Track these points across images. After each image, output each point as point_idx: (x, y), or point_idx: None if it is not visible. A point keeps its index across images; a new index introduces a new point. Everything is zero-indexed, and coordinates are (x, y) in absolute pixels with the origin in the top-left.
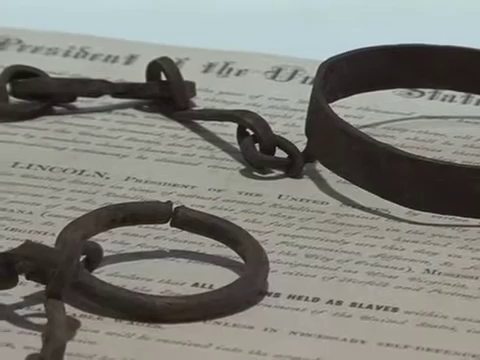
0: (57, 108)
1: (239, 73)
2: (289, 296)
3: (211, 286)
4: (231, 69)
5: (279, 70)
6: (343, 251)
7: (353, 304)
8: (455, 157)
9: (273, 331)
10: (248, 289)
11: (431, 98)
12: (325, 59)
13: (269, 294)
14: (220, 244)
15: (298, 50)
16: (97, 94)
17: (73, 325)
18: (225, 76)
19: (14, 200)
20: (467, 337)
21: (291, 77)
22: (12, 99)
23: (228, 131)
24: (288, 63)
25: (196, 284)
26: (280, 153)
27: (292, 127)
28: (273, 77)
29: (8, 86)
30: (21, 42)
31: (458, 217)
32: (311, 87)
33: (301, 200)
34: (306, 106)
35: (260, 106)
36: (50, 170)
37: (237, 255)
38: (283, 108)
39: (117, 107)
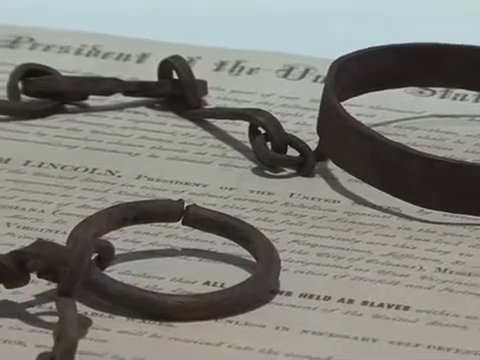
0: (69, 106)
1: (251, 72)
2: (300, 295)
3: (223, 285)
4: (243, 68)
5: (291, 69)
6: (354, 250)
7: (364, 302)
8: (466, 156)
9: (285, 330)
10: (260, 288)
11: (442, 97)
12: (337, 58)
13: (280, 293)
14: (232, 242)
15: (310, 49)
16: (109, 92)
17: (84, 323)
18: (237, 75)
19: (26, 198)
20: (478, 336)
21: (303, 76)
22: (24, 97)
23: (240, 130)
24: (300, 62)
25: (208, 282)
26: (292, 152)
27: (304, 126)
28: (285, 76)
29: (20, 84)
30: (33, 40)
31: (470, 216)
32: (323, 86)
33: (313, 199)
34: (318, 105)
35: (272, 105)
36: (62, 168)
37: (249, 254)
38: (295, 107)
39: (129, 105)
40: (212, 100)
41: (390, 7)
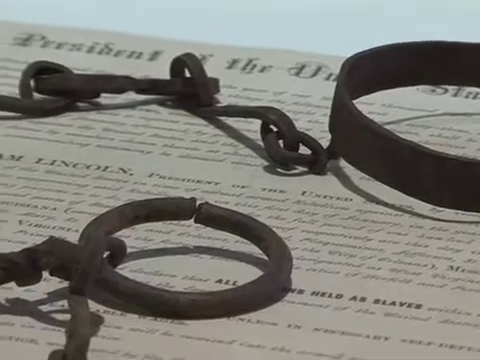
0: (81, 104)
1: (263, 69)
2: (313, 293)
3: (235, 282)
4: (255, 65)
5: (303, 67)
6: (366, 248)
7: (376, 301)
8: (479, 154)
9: (297, 327)
10: (272, 286)
11: (455, 95)
12: (349, 56)
13: (293, 291)
14: (244, 240)
15: (322, 47)
16: (121, 90)
17: (97, 321)
18: (249, 72)
19: (38, 196)
20: None
21: (315, 74)
22: (36, 95)
23: (252, 127)
24: (312, 60)
25: (220, 280)
26: (304, 150)
27: (316, 124)
28: (297, 74)
29: (32, 82)
30: (45, 38)
31: None
32: (335, 84)
33: (325, 197)
34: (330, 103)
35: (284, 102)
36: (74, 166)
37: (261, 252)
38: (307, 105)
39: (141, 103)
40: (224, 98)
41: (403, 5)
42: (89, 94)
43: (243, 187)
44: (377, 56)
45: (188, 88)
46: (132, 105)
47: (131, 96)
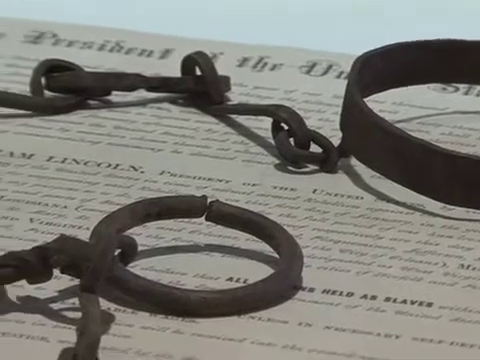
0: (92, 102)
1: (274, 68)
2: (323, 291)
3: (246, 280)
4: (266, 64)
5: (314, 65)
6: (377, 246)
7: (387, 299)
8: None
9: (307, 326)
10: (282, 284)
11: (466, 93)
12: (360, 54)
13: (303, 289)
14: (255, 238)
15: (333, 45)
16: (132, 88)
17: (107, 319)
18: (260, 71)
19: (49, 194)
20: None
21: (326, 72)
22: (47, 93)
23: (263, 126)
24: (323, 58)
25: (230, 278)
26: (315, 148)
27: (326, 122)
28: (308, 72)
29: (43, 80)
30: (56, 36)
31: None
32: (346, 82)
33: (336, 195)
34: (340, 101)
35: (295, 101)
36: (85, 164)
37: (272, 250)
38: (317, 103)
39: (152, 101)
40: (235, 96)
41: (414, 3)
42: (100, 92)
43: (254, 185)
44: (388, 54)
45: (199, 86)
46: (143, 103)
47: (142, 94)
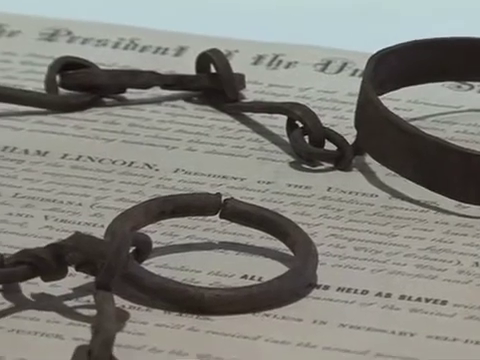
0: (106, 100)
1: (288, 65)
2: (338, 288)
3: (260, 278)
4: (280, 61)
5: (328, 62)
6: (392, 244)
7: (402, 297)
8: None
9: (322, 323)
10: (297, 281)
11: None
12: (375, 52)
13: (318, 286)
14: (269, 236)
15: (348, 42)
16: (146, 86)
17: (122, 317)
18: (274, 68)
19: (63, 191)
20: None
21: (340, 69)
22: (62, 90)
23: (277, 123)
24: (337, 55)
25: (245, 276)
26: (329, 146)
27: (341, 119)
28: (322, 69)
29: (58, 77)
30: (71, 33)
31: None
32: (360, 80)
33: (350, 193)
34: (355, 99)
35: (309, 98)
36: (99, 162)
37: (286, 247)
38: (332, 100)
39: (166, 99)
40: (250, 94)
41: (429, 1)
42: (115, 89)
43: (268, 183)
44: (403, 52)
45: (214, 84)
46: (158, 100)
47: (157, 91)
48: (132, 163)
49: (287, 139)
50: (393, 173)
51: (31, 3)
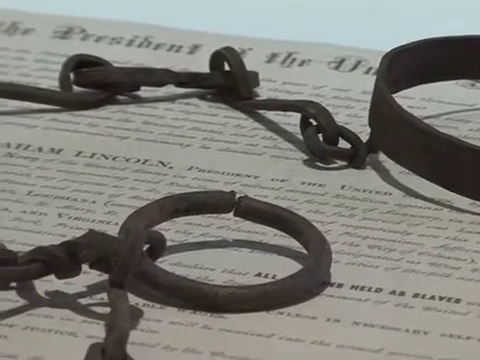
0: (120, 97)
1: (302, 63)
2: (352, 287)
3: (274, 276)
4: (294, 59)
5: (342, 60)
6: (406, 242)
7: (416, 295)
8: None
9: (336, 321)
10: (311, 279)
11: None
12: (388, 50)
13: (332, 284)
14: (283, 234)
15: (361, 40)
16: (160, 84)
17: (136, 314)
18: (288, 66)
19: (77, 189)
20: None
21: (354, 68)
22: (76, 88)
23: (291, 121)
24: (351, 53)
25: (259, 274)
26: (343, 144)
27: (355, 118)
28: (336, 67)
29: (72, 75)
30: (85, 31)
31: None
32: (374, 78)
33: (364, 191)
34: (369, 97)
35: (323, 96)
36: (113, 159)
37: (300, 245)
38: (346, 98)
39: (180, 97)
40: (263, 92)
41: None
42: (129, 87)
43: (282, 181)
44: (417, 50)
45: (228, 81)
46: (171, 98)
47: (170, 89)
48: (146, 161)
49: (301, 137)
50: (407, 171)
51: (45, 1)
